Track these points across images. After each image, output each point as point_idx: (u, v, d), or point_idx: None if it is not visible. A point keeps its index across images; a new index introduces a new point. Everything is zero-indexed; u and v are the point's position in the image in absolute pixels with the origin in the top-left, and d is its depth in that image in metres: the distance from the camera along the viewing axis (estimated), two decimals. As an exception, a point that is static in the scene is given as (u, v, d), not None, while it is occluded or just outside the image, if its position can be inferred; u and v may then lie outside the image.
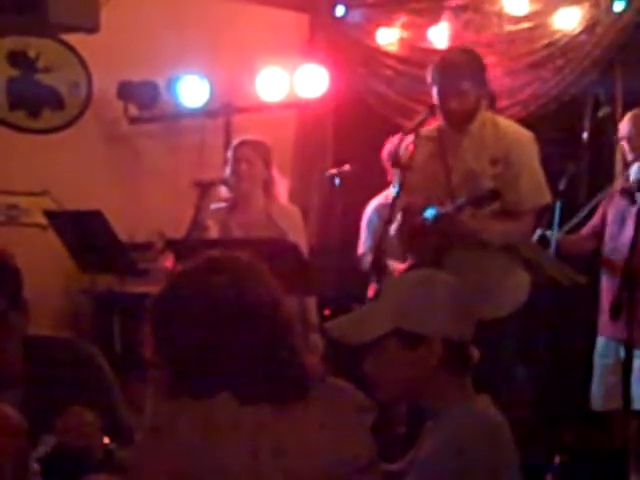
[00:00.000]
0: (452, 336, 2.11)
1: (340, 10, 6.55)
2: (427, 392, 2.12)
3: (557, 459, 3.45)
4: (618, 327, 4.13)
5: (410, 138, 3.87)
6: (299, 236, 4.54)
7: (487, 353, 2.22)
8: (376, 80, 6.33)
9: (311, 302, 4.63)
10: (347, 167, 5.20)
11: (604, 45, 5.54)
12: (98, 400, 2.45)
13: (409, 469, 2.14)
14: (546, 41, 5.74)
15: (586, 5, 5.63)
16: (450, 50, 4.09)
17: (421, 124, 3.87)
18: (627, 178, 4.49)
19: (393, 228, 3.86)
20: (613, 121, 5.43)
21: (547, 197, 4.02)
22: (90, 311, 5.80)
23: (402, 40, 6.27)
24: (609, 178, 5.15)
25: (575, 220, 4.66)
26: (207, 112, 6.21)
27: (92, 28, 4.60)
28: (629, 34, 5.48)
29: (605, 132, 5.50)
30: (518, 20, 5.84)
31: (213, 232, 4.63)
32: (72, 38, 5.60)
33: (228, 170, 4.70)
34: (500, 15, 5.89)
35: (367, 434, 2.05)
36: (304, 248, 4.46)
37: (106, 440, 2.35)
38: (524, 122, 4.41)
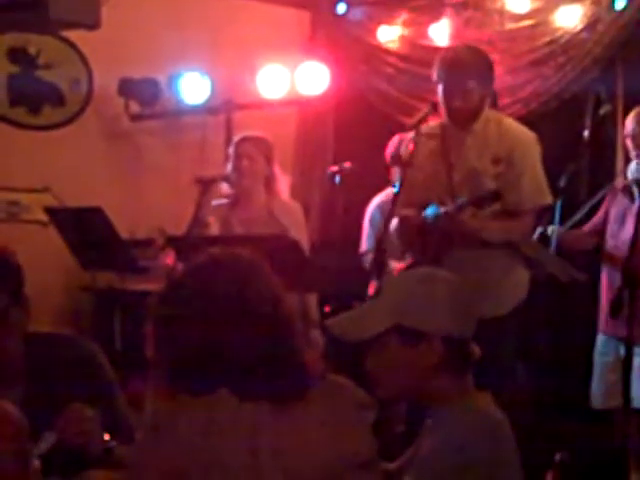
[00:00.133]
0: (453, 333, 2.11)
1: (341, 7, 6.55)
2: (428, 389, 2.13)
3: (557, 457, 3.44)
4: (618, 325, 4.14)
5: (411, 135, 3.87)
6: (300, 232, 4.54)
7: (487, 351, 2.22)
8: (377, 78, 6.33)
9: (312, 298, 4.64)
10: (348, 165, 5.20)
11: (605, 43, 5.54)
12: (99, 397, 2.45)
13: (409, 467, 2.14)
14: (547, 39, 5.74)
15: (587, 2, 5.62)
16: (457, 48, 4.07)
17: (422, 121, 3.86)
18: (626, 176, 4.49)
19: (393, 226, 3.86)
20: (614, 119, 5.43)
21: (548, 198, 4.02)
22: (90, 308, 5.81)
23: (403, 38, 6.27)
24: (610, 176, 5.15)
25: (576, 218, 4.66)
26: (208, 109, 6.21)
27: (93, 25, 4.59)
28: (630, 32, 5.48)
29: (606, 130, 5.50)
30: (519, 17, 5.84)
31: (214, 228, 4.63)
32: (73, 35, 5.60)
33: (229, 166, 4.70)
34: (501, 12, 5.89)
35: (367, 431, 2.05)
36: (305, 244, 4.46)
37: (106, 437, 2.36)
38: (525, 120, 4.42)
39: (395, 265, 4.35)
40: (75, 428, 2.31)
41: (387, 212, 3.85)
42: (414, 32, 6.21)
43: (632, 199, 4.35)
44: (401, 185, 3.78)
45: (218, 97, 6.15)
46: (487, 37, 5.78)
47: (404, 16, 6.26)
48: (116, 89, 5.98)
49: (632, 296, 3.62)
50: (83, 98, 5.92)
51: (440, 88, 3.90)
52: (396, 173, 4.65)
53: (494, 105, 4.20)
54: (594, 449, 4.39)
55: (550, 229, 4.50)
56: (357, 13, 6.50)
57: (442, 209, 3.78)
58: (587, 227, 4.63)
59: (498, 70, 4.07)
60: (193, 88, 6.14)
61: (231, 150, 4.74)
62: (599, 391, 4.44)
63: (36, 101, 5.81)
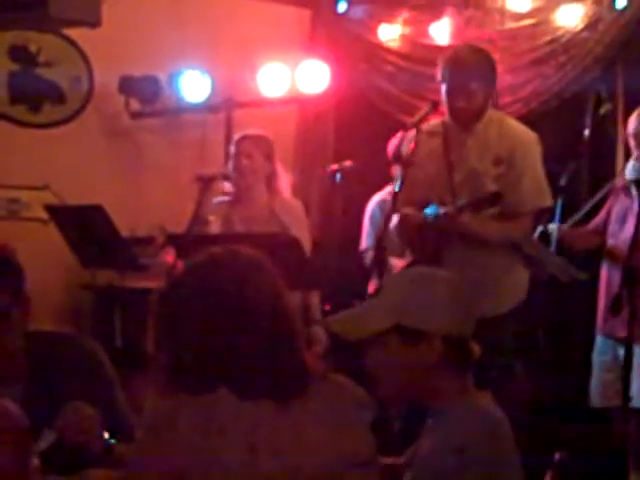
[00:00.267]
0: (452, 333, 2.11)
1: (342, 6, 6.54)
2: (428, 389, 2.13)
3: (557, 456, 3.45)
4: (616, 325, 4.14)
5: (412, 134, 3.86)
6: (302, 230, 4.53)
7: (486, 350, 2.22)
8: (378, 76, 6.33)
9: (314, 296, 4.64)
10: (348, 163, 5.20)
11: (606, 42, 5.53)
12: (99, 395, 2.45)
13: (409, 465, 2.14)
14: (548, 38, 5.73)
15: (588, 2, 5.62)
16: (462, 48, 4.06)
17: (423, 120, 3.86)
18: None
19: (393, 224, 3.86)
20: (614, 118, 5.44)
21: (548, 200, 4.02)
22: (91, 306, 5.80)
23: (404, 36, 6.26)
24: (610, 175, 5.14)
25: (576, 217, 4.66)
26: (208, 107, 6.21)
27: (93, 23, 4.59)
28: (631, 31, 5.48)
29: (606, 129, 5.50)
30: (520, 17, 5.83)
31: (215, 226, 4.63)
32: (73, 32, 5.61)
33: (230, 165, 4.71)
34: (502, 12, 5.88)
35: (366, 430, 2.05)
36: (307, 242, 4.46)
37: (106, 435, 2.36)
38: (525, 119, 4.41)
39: (396, 262, 4.35)
40: (75, 426, 2.31)
41: (387, 210, 3.85)
42: (415, 31, 6.21)
43: (631, 198, 4.35)
44: (402, 184, 3.78)
45: (218, 95, 6.15)
46: (488, 36, 5.78)
47: (405, 15, 6.26)
48: (116, 87, 5.98)
49: (632, 295, 3.62)
50: (83, 96, 5.92)
51: (443, 88, 3.90)
52: (397, 171, 4.66)
53: (495, 104, 4.19)
54: (593, 449, 4.40)
55: (551, 228, 4.50)
56: (358, 11, 6.50)
57: (442, 210, 3.78)
58: (590, 226, 4.63)
59: (498, 69, 4.05)
60: (193, 86, 6.13)
61: (232, 148, 4.74)
62: (597, 390, 4.44)
63: (36, 99, 5.81)
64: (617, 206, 4.47)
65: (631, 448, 4.14)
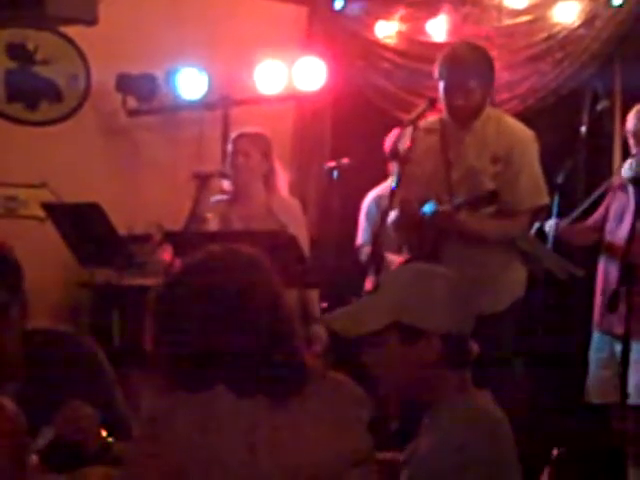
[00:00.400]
0: (451, 331, 2.11)
1: (339, 3, 6.54)
2: (427, 387, 2.12)
3: (555, 452, 3.45)
4: (612, 321, 4.15)
5: (409, 131, 3.86)
6: (299, 229, 4.53)
7: (485, 347, 2.22)
8: (375, 73, 6.32)
9: (313, 294, 4.64)
10: (345, 160, 5.20)
11: (603, 39, 5.53)
12: (97, 393, 2.45)
13: (407, 463, 2.14)
14: (545, 34, 5.73)
15: (585, -2, 5.63)
16: (459, 46, 4.05)
17: (420, 117, 3.86)
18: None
19: (390, 219, 3.86)
20: (611, 115, 5.43)
21: (545, 198, 4.03)
22: (89, 304, 5.80)
23: (401, 33, 6.26)
24: (607, 172, 5.15)
25: (573, 214, 4.66)
26: (205, 105, 6.21)
27: (90, 20, 4.60)
28: (628, 28, 5.47)
29: (603, 126, 5.50)
30: (517, 13, 5.83)
31: (213, 224, 4.63)
32: (70, 30, 5.60)
33: (228, 162, 4.71)
34: (499, 8, 5.88)
35: (364, 428, 2.05)
36: (305, 240, 4.46)
37: (104, 433, 2.36)
38: (522, 116, 4.41)
39: (393, 258, 4.35)
40: (73, 424, 2.31)
41: (384, 205, 3.85)
42: (412, 28, 6.20)
43: (629, 196, 4.35)
44: (399, 181, 3.78)
45: (215, 93, 6.14)
46: (485, 33, 5.78)
47: (402, 12, 6.25)
48: (114, 85, 5.97)
49: (629, 292, 3.62)
50: (81, 94, 5.91)
51: (441, 86, 3.89)
52: (394, 168, 4.65)
53: (492, 101, 4.19)
54: (591, 445, 4.40)
55: (547, 225, 4.50)
56: (354, 8, 6.49)
57: (440, 207, 3.78)
58: (588, 223, 4.63)
59: (496, 66, 4.05)
60: (190, 84, 6.13)
61: (229, 146, 4.74)
62: (594, 387, 4.45)
63: (33, 97, 5.80)
64: (615, 204, 4.47)
65: (629, 445, 4.15)
